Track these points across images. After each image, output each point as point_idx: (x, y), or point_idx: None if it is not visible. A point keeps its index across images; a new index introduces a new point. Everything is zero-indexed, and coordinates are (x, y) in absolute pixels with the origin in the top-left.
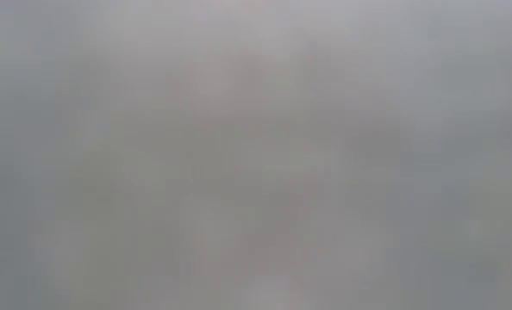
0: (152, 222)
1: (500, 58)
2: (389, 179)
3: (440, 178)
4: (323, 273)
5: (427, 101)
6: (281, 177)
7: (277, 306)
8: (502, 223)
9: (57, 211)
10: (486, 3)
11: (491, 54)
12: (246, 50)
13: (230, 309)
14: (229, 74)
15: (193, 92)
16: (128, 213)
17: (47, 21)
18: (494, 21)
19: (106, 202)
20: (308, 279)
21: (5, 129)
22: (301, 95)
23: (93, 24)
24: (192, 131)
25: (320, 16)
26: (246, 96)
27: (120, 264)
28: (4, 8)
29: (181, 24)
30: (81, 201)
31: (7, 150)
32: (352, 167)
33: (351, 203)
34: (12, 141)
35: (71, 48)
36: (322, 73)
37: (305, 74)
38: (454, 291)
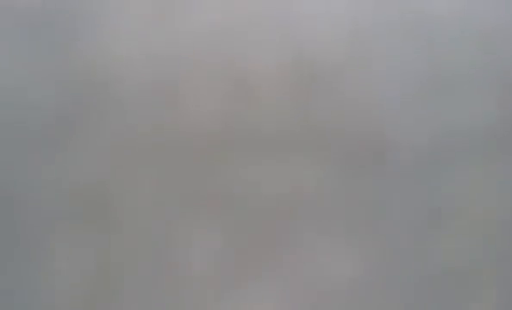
0: (148, 239)
1: (487, 76)
2: (375, 195)
3: (426, 194)
4: (311, 287)
5: (414, 117)
6: (269, 193)
7: None
8: (487, 238)
9: (56, 231)
10: (473, 20)
11: (479, 71)
12: (236, 65)
13: None
14: (219, 90)
15: (185, 109)
16: (123, 230)
17: (43, 42)
18: (481, 37)
19: (102, 219)
20: (296, 293)
21: (2, 151)
22: (290, 110)
23: (87, 44)
24: (184, 147)
25: (309, 32)
26: (236, 111)
27: (117, 282)
28: (0, 29)
29: (172, 40)
30: (80, 220)
31: (5, 171)
32: (340, 183)
33: (338, 219)
34: (10, 163)
35: (67, 69)
36: (311, 89)
37: (294, 90)
38: (437, 304)
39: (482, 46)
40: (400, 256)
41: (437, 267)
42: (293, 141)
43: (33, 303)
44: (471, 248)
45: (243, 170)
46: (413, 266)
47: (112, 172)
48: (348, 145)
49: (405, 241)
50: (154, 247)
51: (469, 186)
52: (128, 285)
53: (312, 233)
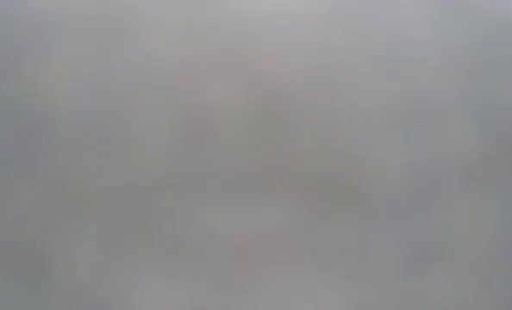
0: (94, 290)
1: (460, 104)
2: (347, 233)
3: (401, 231)
4: None
5: (387, 150)
6: (230, 235)
7: None
8: (466, 275)
9: None
10: (445, 48)
11: (451, 100)
12: (194, 101)
13: None
14: (176, 127)
15: (138, 148)
16: (68, 284)
17: None
18: (453, 65)
19: (42, 274)
20: None
21: None
22: (252, 148)
23: (29, 82)
24: (136, 188)
25: (273, 64)
26: (194, 150)
27: None
28: None
29: (121, 76)
30: (15, 272)
31: None
32: (308, 222)
33: (308, 260)
34: None
35: (7, 108)
36: (275, 124)
37: (257, 126)
38: None
39: (460, 75)
40: (379, 297)
41: (417, 308)
42: (257, 183)
43: None
44: (456, 286)
45: (198, 211)
46: (392, 308)
47: (51, 218)
48: (320, 182)
49: (383, 281)
50: (98, 298)
51: (452, 220)
52: None
53: (283, 277)
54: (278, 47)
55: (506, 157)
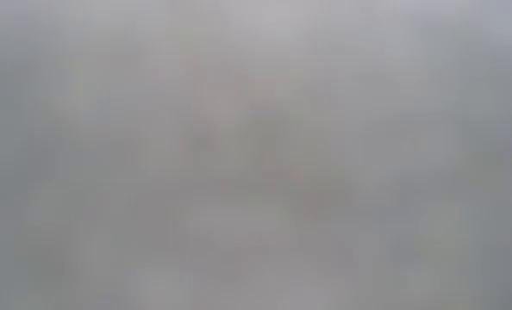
0: (105, 290)
1: (447, 116)
2: (336, 233)
3: (386, 234)
4: None
5: (372, 158)
6: (228, 235)
7: None
8: (449, 276)
9: (13, 284)
10: (429, 60)
11: (439, 112)
12: (196, 116)
13: None
14: (180, 139)
15: (146, 158)
16: (81, 284)
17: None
18: (436, 82)
19: (60, 274)
20: None
21: None
22: (248, 157)
23: (47, 96)
24: (145, 194)
25: (268, 82)
26: (196, 159)
27: None
28: None
29: (134, 94)
30: (36, 274)
31: None
32: (300, 224)
33: (299, 262)
34: None
35: (26, 121)
36: (270, 136)
37: (253, 138)
38: None
39: (442, 91)
40: (365, 298)
41: (402, 308)
42: (253, 188)
43: None
44: (439, 287)
45: (203, 217)
46: (380, 306)
47: (69, 223)
48: (310, 189)
49: (369, 282)
50: (111, 297)
51: (433, 225)
52: None
53: (276, 278)
54: (273, 66)
55: (484, 164)
